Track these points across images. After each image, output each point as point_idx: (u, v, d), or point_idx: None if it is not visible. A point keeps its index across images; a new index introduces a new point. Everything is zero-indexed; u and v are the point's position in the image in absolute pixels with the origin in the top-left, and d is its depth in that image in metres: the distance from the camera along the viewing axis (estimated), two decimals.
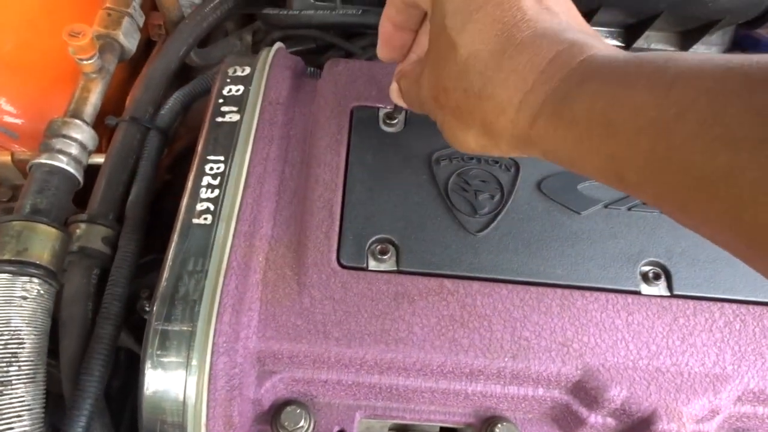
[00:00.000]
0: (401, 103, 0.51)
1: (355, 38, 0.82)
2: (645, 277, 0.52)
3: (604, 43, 0.36)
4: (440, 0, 0.40)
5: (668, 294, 0.51)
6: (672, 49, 0.76)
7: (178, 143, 0.84)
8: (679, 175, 0.28)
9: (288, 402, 0.51)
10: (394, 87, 0.50)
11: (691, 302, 0.51)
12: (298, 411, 0.50)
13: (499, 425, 0.51)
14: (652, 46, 0.76)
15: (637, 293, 0.51)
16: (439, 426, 0.55)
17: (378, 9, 0.72)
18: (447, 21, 0.39)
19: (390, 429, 0.56)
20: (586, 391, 0.49)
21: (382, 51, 0.50)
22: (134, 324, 0.63)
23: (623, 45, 0.75)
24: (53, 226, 0.51)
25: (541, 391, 0.50)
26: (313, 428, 0.50)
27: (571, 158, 0.35)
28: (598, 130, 0.32)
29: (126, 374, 0.68)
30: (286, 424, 0.49)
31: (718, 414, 0.49)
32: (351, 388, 0.51)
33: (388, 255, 0.50)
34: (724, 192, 0.26)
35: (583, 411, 0.50)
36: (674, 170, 0.28)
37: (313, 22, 0.72)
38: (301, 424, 0.49)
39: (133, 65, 0.81)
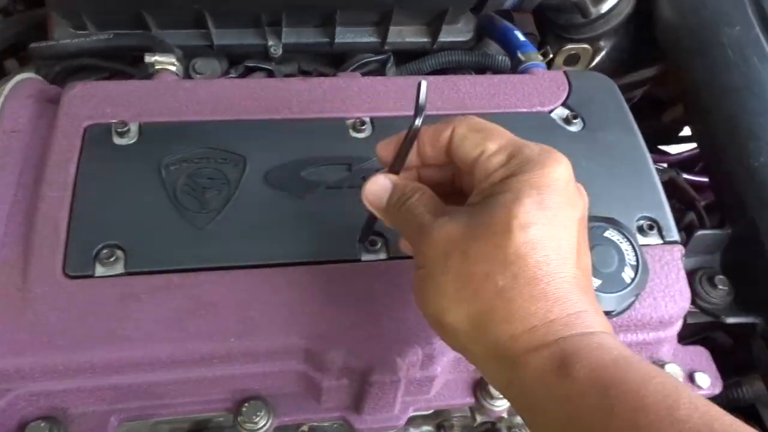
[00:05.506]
0: (376, 206, 0.46)
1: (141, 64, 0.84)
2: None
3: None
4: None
5: (386, 257, 0.56)
6: (425, 39, 0.83)
7: None
8: None
9: (35, 419, 0.51)
10: (383, 184, 0.45)
11: (405, 262, 0.56)
12: (42, 425, 0.51)
13: (246, 404, 0.54)
14: (407, 39, 0.82)
15: (358, 260, 0.56)
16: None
17: (129, 31, 0.75)
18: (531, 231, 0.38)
19: None
20: (314, 357, 0.53)
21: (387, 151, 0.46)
22: None
23: (379, 41, 0.81)
24: None
25: (278, 364, 0.54)
26: None
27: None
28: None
29: None
30: None
31: (434, 359, 0.54)
32: (95, 394, 0.52)
33: (114, 259, 0.53)
34: None
35: (318, 376, 0.54)
36: None
37: (70, 50, 0.73)
38: None
39: None
